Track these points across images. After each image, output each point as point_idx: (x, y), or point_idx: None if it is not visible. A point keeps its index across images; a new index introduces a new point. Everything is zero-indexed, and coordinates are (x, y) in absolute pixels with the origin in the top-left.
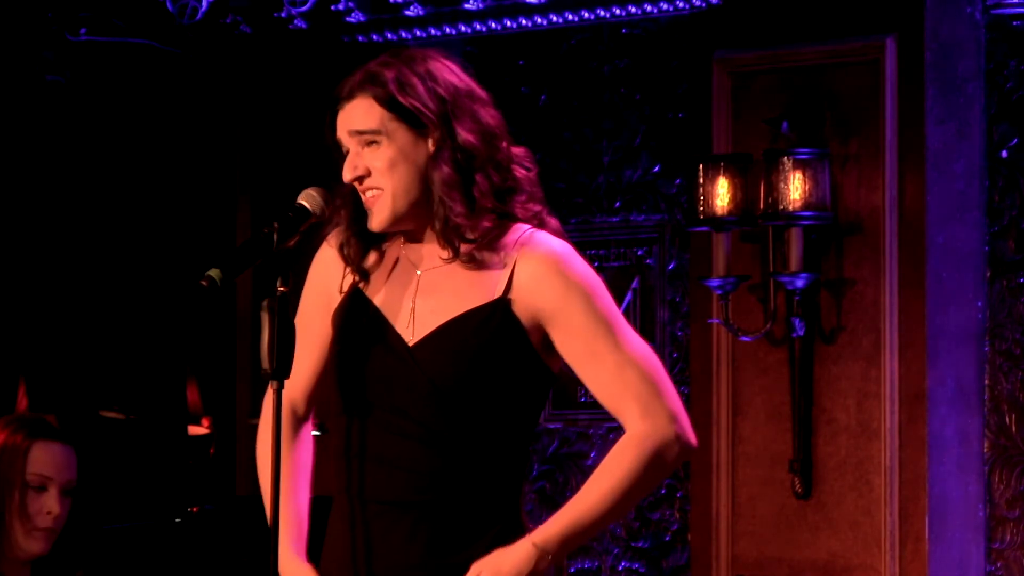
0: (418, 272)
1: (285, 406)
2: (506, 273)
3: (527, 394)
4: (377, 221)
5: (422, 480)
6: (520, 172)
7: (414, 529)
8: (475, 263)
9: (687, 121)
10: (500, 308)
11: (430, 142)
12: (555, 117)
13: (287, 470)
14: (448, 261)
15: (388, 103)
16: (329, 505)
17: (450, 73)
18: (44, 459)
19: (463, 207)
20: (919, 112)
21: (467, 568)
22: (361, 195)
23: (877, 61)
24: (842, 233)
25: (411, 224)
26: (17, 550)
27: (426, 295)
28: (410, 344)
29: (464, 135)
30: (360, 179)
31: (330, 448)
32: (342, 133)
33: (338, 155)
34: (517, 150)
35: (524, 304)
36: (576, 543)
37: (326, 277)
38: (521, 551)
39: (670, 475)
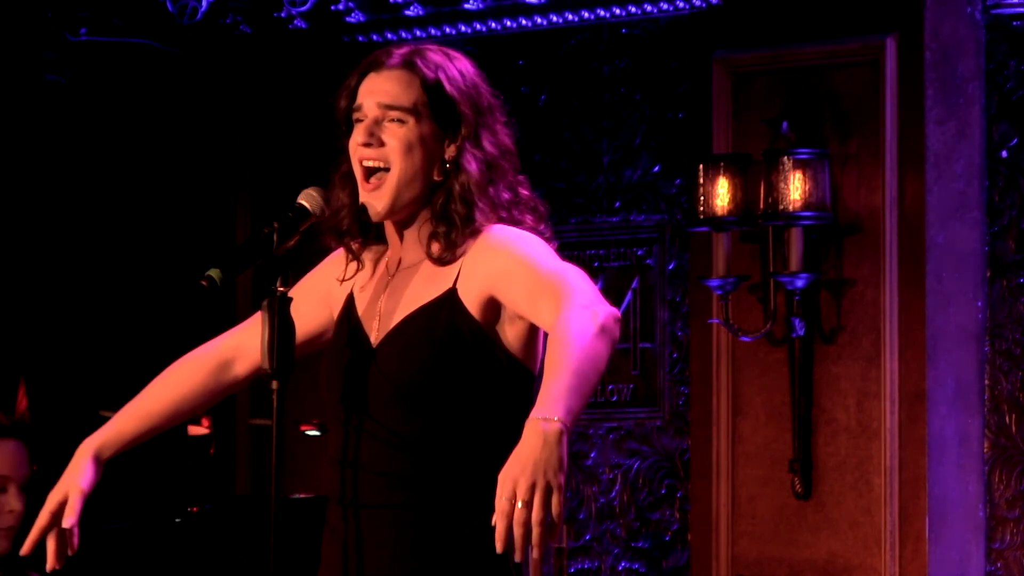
0: (391, 275)
1: (224, 350)
2: (458, 266)
3: (495, 391)
4: (382, 205)
5: (395, 483)
6: (525, 192)
7: (393, 533)
8: (440, 263)
9: (687, 121)
10: (449, 300)
11: (448, 142)
12: (555, 117)
13: (168, 386)
14: (416, 263)
15: (431, 87)
16: (325, 505)
17: (485, 85)
18: (1, 459)
19: (478, 212)
20: (919, 112)
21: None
22: (360, 175)
23: (877, 61)
24: (842, 233)
25: (402, 216)
26: None
27: (391, 297)
28: (373, 346)
29: (487, 146)
30: (370, 145)
31: (325, 457)
32: (369, 101)
33: (339, 123)
34: (521, 176)
35: (467, 287)
36: (571, 405)
37: (333, 270)
38: (526, 435)
39: (610, 343)
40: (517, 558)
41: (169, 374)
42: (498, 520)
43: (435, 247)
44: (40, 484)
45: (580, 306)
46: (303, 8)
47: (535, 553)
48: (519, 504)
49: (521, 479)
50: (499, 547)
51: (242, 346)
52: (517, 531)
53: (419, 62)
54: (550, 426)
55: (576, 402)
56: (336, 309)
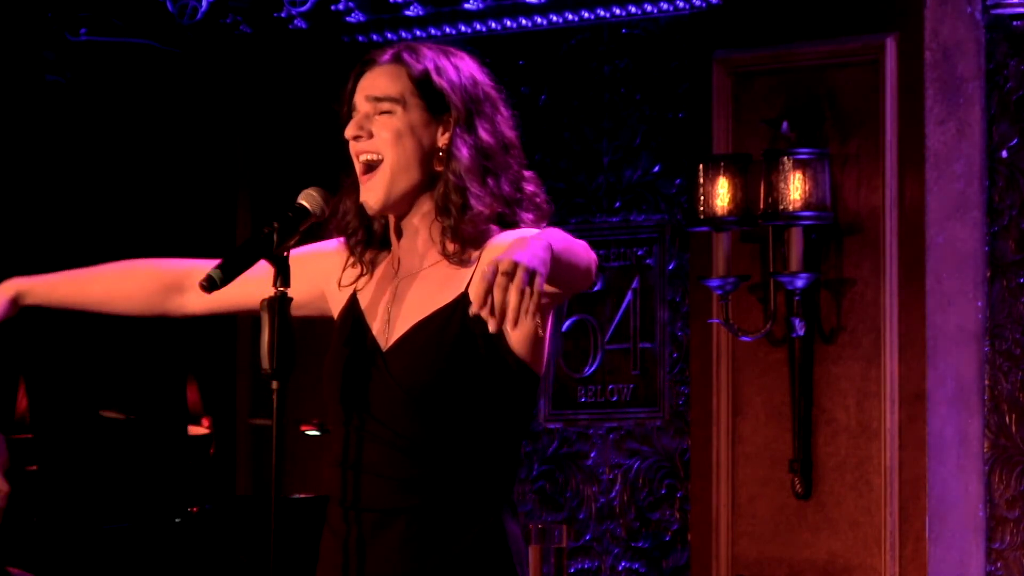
0: (397, 278)
1: (186, 276)
2: (469, 271)
3: (504, 395)
4: (374, 198)
5: (401, 487)
6: (530, 188)
7: (397, 536)
8: (450, 266)
9: (687, 121)
10: (460, 305)
11: (441, 130)
12: (555, 117)
13: (118, 278)
14: (427, 266)
15: (418, 77)
16: (325, 505)
17: (484, 79)
18: None
19: (474, 201)
20: (919, 112)
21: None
22: (359, 170)
23: (877, 61)
24: (842, 233)
25: (402, 209)
26: None
27: (400, 301)
28: (383, 350)
29: (483, 135)
30: (359, 138)
31: (328, 458)
32: (360, 97)
33: (342, 127)
34: (528, 172)
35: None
36: (556, 244)
37: (333, 259)
38: (513, 240)
39: (587, 257)
40: (492, 327)
41: (125, 269)
42: (477, 282)
43: (448, 245)
44: (42, 482)
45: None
46: (303, 8)
47: (509, 323)
48: (500, 275)
49: (505, 258)
50: (474, 307)
51: (197, 271)
52: (497, 295)
53: (407, 55)
54: (536, 236)
55: (561, 245)
56: (335, 306)
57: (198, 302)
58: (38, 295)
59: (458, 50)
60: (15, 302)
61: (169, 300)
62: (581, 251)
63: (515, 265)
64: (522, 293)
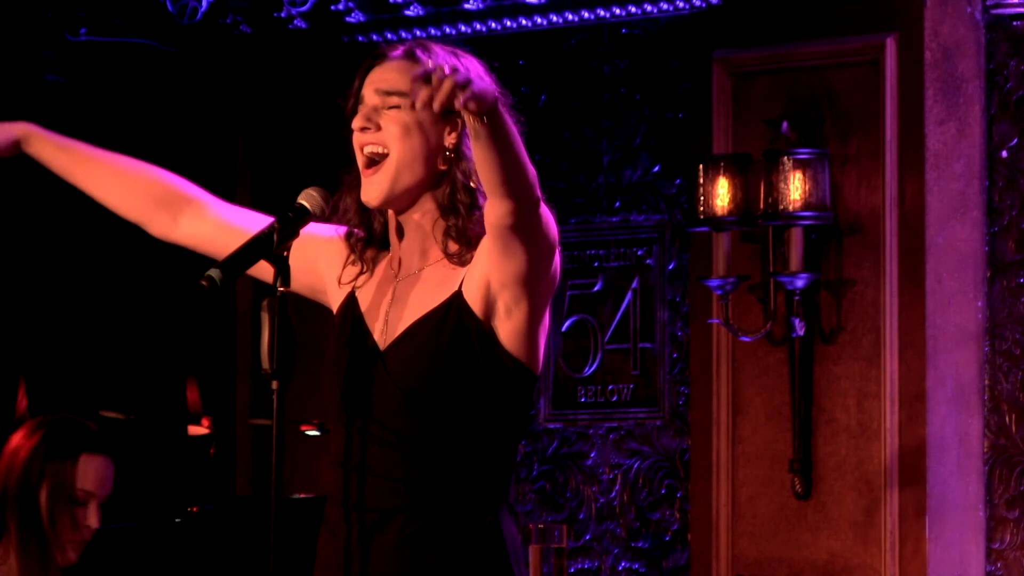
0: (397, 279)
1: (187, 202)
2: (464, 270)
3: (501, 395)
4: (377, 191)
5: (400, 487)
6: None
7: (395, 537)
8: (448, 266)
9: (687, 121)
10: (455, 303)
11: (448, 130)
12: (555, 117)
13: (127, 176)
14: (427, 265)
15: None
16: (323, 505)
17: (492, 81)
18: (90, 474)
19: (482, 201)
20: (919, 112)
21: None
22: (362, 164)
23: (877, 61)
24: (842, 233)
25: (403, 204)
26: (54, 561)
27: (400, 301)
28: (382, 351)
29: None
30: (367, 130)
31: (327, 458)
32: (369, 90)
33: (347, 122)
34: None
35: (470, 284)
36: (514, 126)
37: (335, 251)
38: None
39: (535, 178)
40: (418, 104)
41: (136, 168)
42: (418, 70)
43: (451, 244)
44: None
45: None
46: (303, 8)
47: (436, 103)
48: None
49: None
50: (414, 87)
51: (205, 215)
52: (435, 79)
53: (419, 52)
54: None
55: (515, 129)
56: (333, 301)
57: (185, 232)
58: (43, 150)
59: (465, 53)
60: (18, 143)
61: (159, 215)
62: (529, 163)
63: (457, 70)
64: (457, 87)
